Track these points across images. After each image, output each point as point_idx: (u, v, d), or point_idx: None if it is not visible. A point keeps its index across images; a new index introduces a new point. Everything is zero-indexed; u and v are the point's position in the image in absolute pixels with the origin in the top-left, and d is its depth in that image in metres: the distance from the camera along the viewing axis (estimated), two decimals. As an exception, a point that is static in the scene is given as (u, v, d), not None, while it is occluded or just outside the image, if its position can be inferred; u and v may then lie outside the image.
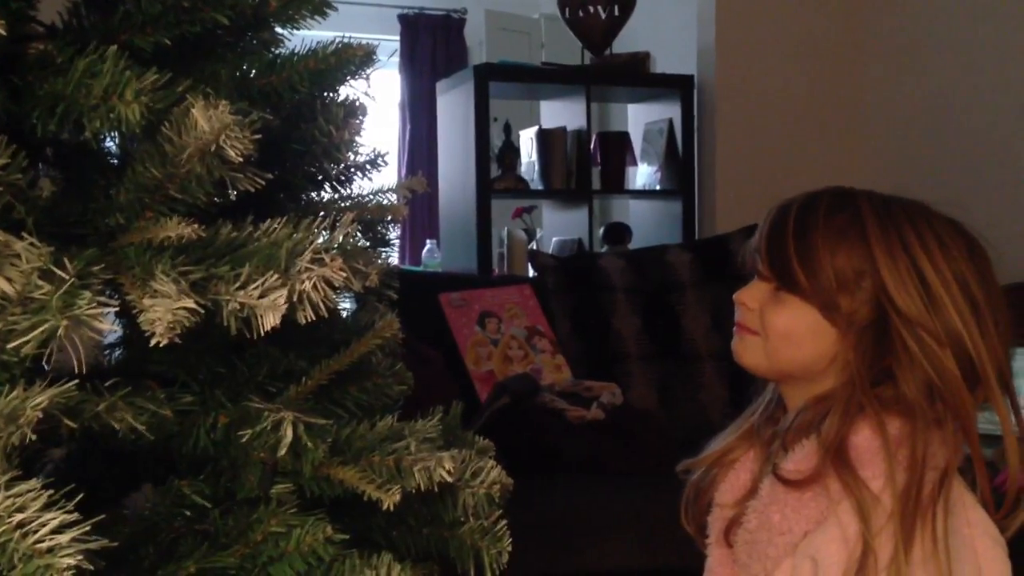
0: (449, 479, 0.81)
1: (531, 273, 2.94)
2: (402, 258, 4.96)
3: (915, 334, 0.86)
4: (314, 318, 0.72)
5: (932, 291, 0.87)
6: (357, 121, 0.90)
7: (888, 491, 0.84)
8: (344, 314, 1.01)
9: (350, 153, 0.93)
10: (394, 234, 1.10)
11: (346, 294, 0.94)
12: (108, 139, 0.88)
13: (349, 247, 0.79)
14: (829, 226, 0.90)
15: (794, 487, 0.87)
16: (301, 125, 0.90)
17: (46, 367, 0.73)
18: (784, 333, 0.92)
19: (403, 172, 5.14)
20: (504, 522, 0.95)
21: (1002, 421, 0.88)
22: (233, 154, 0.68)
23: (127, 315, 0.71)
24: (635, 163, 3.49)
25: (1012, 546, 0.88)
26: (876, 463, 0.85)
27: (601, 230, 3.40)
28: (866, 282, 0.89)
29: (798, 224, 0.91)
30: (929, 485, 0.84)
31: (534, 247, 3.51)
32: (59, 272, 0.63)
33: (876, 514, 0.83)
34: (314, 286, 0.71)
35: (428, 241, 3.95)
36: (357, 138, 0.92)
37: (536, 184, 3.31)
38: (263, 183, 0.76)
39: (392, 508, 0.77)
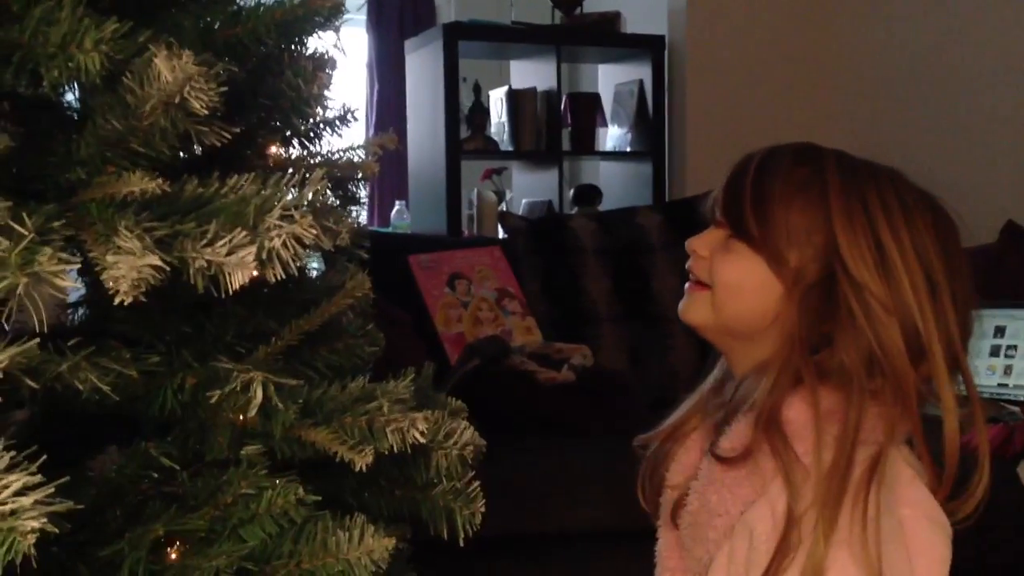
0: (422, 440, 0.80)
1: (501, 235, 2.93)
2: (370, 219, 4.92)
3: (862, 299, 0.84)
4: (284, 276, 0.70)
5: (887, 257, 0.84)
6: (326, 74, 0.88)
7: (815, 467, 0.81)
8: (312, 275, 0.99)
9: (319, 108, 0.91)
10: (363, 192, 1.08)
11: (314, 254, 0.93)
12: (67, 92, 0.85)
13: (319, 205, 0.77)
14: (789, 178, 0.88)
15: (728, 464, 0.85)
16: (268, 78, 0.87)
17: (5, 327, 0.71)
18: (730, 283, 0.89)
19: (371, 133, 5.07)
20: (477, 483, 0.94)
21: (943, 400, 0.85)
22: (198, 106, 0.66)
23: (90, 273, 0.69)
24: (605, 124, 3.47)
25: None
26: (805, 436, 0.83)
27: (571, 192, 3.39)
28: (818, 239, 0.86)
29: (758, 173, 0.89)
30: (863, 463, 0.81)
31: (504, 209, 3.49)
32: (18, 228, 0.60)
33: (806, 489, 0.80)
34: (284, 244, 0.69)
35: (397, 202, 3.91)
36: (326, 92, 0.89)
37: (506, 145, 3.29)
38: (229, 137, 0.73)
39: (364, 470, 0.76)
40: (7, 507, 0.57)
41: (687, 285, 0.95)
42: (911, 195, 0.88)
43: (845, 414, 0.82)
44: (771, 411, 0.84)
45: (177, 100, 0.66)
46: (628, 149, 3.36)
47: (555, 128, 3.24)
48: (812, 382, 0.84)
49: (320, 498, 0.76)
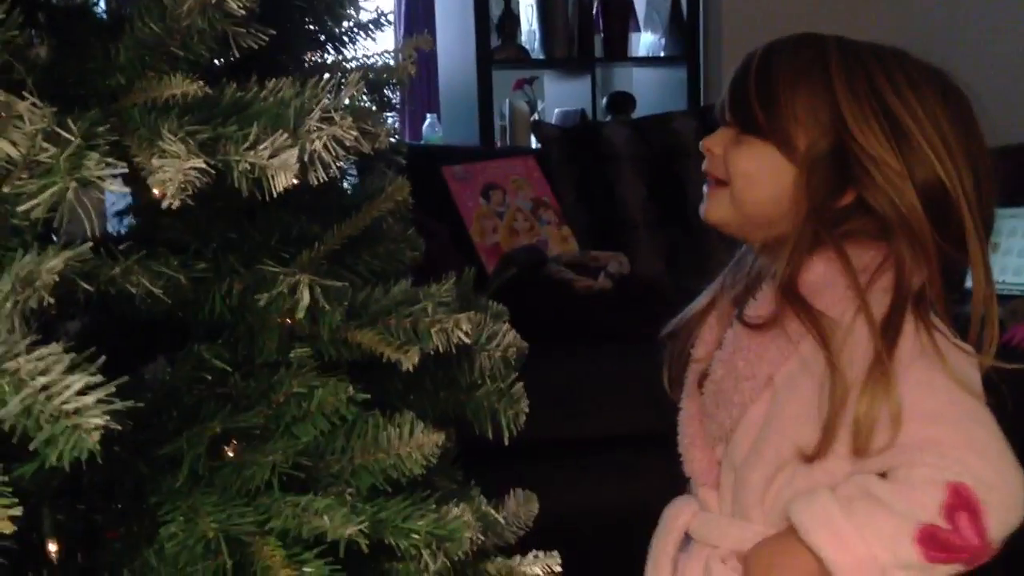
0: (467, 340, 0.81)
1: (534, 145, 2.90)
2: (402, 133, 4.89)
3: (875, 166, 0.86)
4: (326, 179, 0.71)
5: (898, 123, 0.86)
6: (360, -26, 0.87)
7: (863, 307, 0.83)
8: (346, 185, 1.00)
9: (352, 10, 0.90)
10: (397, 98, 1.08)
11: (353, 158, 0.92)
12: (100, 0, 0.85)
13: (357, 107, 0.77)
14: (791, 64, 0.90)
15: (756, 331, 0.88)
16: (301, -20, 0.86)
17: (54, 237, 0.72)
18: (745, 173, 0.91)
19: (400, 42, 4.99)
20: (520, 384, 0.96)
21: (971, 252, 0.87)
22: (235, 6, 0.66)
23: (135, 182, 0.70)
24: (638, 29, 3.39)
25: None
26: (832, 291, 0.85)
27: (604, 100, 3.34)
28: (824, 116, 0.88)
29: (760, 66, 0.91)
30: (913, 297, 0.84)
31: (536, 119, 3.45)
32: (64, 134, 0.61)
33: (835, 336, 0.83)
34: (325, 146, 0.69)
35: (428, 115, 3.88)
36: (360, -8, 0.88)
37: (537, 53, 3.23)
38: (266, 39, 0.73)
39: (411, 370, 0.77)
40: (71, 405, 0.59)
41: (705, 187, 0.97)
42: (916, 69, 0.89)
43: (891, 252, 0.85)
44: (790, 277, 0.86)
45: (214, 0, 0.65)
46: (662, 54, 3.29)
47: (587, 34, 3.18)
48: (834, 241, 0.86)
49: (369, 396, 0.78)
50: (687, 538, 0.97)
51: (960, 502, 0.77)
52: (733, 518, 0.92)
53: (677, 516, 0.98)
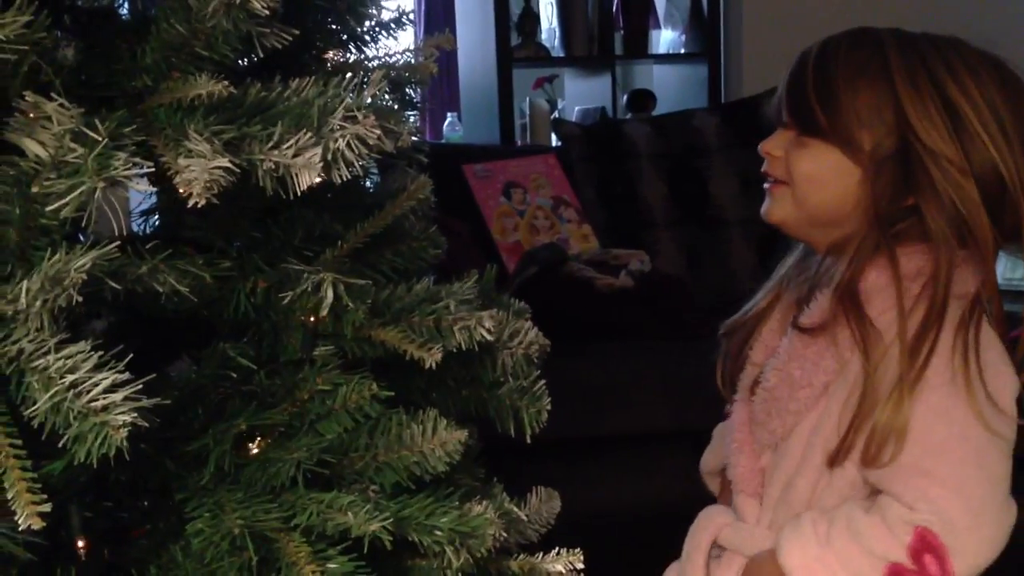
0: (490, 337, 0.81)
1: (555, 143, 2.90)
2: (423, 132, 4.90)
3: (938, 164, 0.84)
4: (349, 177, 0.71)
5: (960, 115, 0.85)
6: (381, -27, 0.87)
7: (897, 320, 0.83)
8: (369, 184, 1.00)
9: (374, 9, 0.90)
10: (418, 97, 1.08)
11: (376, 156, 0.93)
12: (125, 2, 0.85)
13: (379, 106, 0.77)
14: (849, 62, 0.88)
15: (809, 336, 0.87)
16: (323, -21, 0.87)
17: (81, 237, 0.73)
18: (809, 175, 0.90)
19: (420, 41, 5.00)
20: (543, 382, 0.96)
21: None
22: (259, 6, 0.66)
23: (161, 182, 0.70)
24: (659, 26, 3.38)
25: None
26: (883, 298, 0.85)
27: (624, 97, 3.33)
28: (888, 115, 0.86)
29: (817, 65, 0.89)
30: (957, 311, 0.83)
31: (556, 117, 3.45)
32: (91, 134, 0.62)
33: (876, 349, 0.83)
34: (348, 144, 0.69)
35: (449, 114, 3.88)
36: (382, -8, 0.88)
37: (557, 51, 3.23)
38: (289, 39, 0.73)
39: (434, 367, 0.78)
40: (99, 403, 0.59)
41: (766, 186, 0.95)
42: (974, 56, 0.88)
43: (934, 266, 0.84)
44: (849, 281, 0.86)
45: (238, 1, 0.66)
46: (682, 51, 3.28)
47: (607, 31, 3.17)
48: (889, 247, 0.85)
49: (393, 393, 0.78)
50: (718, 546, 0.96)
51: (925, 546, 0.79)
52: (769, 530, 0.91)
53: (708, 524, 0.97)
